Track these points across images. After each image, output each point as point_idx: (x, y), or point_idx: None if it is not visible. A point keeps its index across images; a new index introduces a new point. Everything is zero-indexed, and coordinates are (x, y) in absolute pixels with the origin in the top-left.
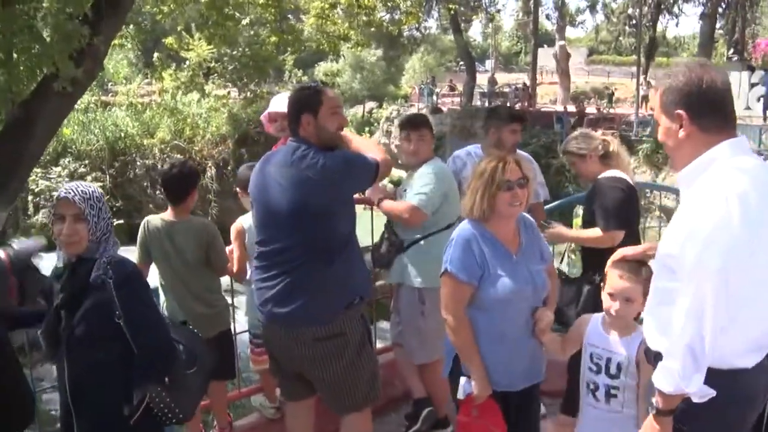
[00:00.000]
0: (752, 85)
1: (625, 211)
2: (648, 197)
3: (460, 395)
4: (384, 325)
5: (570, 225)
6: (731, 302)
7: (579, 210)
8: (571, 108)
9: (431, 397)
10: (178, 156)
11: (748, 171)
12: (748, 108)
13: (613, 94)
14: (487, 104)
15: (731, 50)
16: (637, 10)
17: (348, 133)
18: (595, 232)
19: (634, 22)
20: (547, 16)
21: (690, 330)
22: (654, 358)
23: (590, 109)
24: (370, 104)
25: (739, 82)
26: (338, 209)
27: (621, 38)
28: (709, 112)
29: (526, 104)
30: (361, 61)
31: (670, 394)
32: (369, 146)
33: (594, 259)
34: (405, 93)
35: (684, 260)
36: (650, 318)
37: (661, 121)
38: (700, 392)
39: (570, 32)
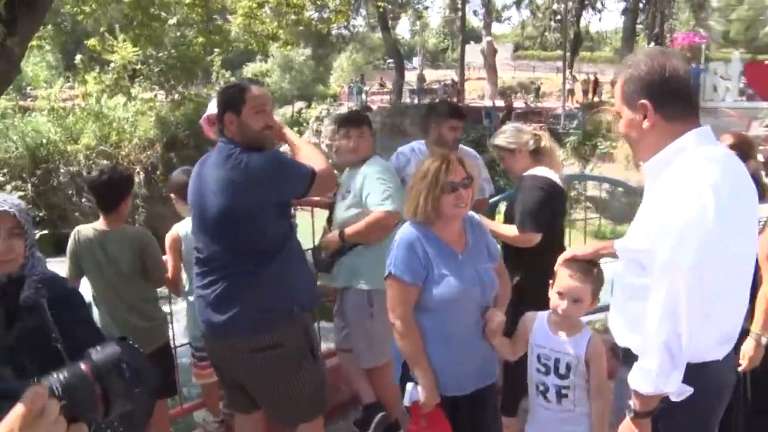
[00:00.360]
0: None
1: (546, 212)
2: (577, 188)
3: (406, 402)
4: (326, 325)
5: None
6: (706, 297)
7: (502, 206)
8: (499, 103)
9: (381, 402)
10: (105, 162)
11: (717, 161)
12: None
13: (539, 88)
14: (416, 101)
15: (652, 44)
16: (562, 5)
17: (295, 140)
18: (512, 230)
19: (559, 17)
20: (475, 12)
21: (666, 327)
22: (622, 355)
23: (518, 104)
24: (300, 104)
25: None
26: (266, 212)
27: (547, 33)
28: (673, 100)
29: (455, 100)
30: (290, 60)
31: (648, 394)
32: (313, 156)
33: (513, 260)
34: (334, 92)
35: (656, 256)
36: (618, 314)
37: (624, 113)
38: (678, 391)
39: (496, 28)
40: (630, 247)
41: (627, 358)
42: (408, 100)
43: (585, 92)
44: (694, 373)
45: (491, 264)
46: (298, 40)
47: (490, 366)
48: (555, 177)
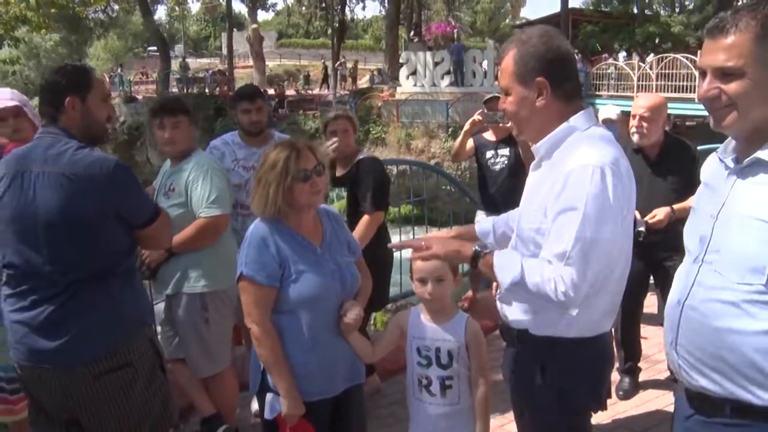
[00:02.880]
0: (436, 64)
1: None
2: None
3: (268, 415)
4: None
5: None
6: (603, 270)
7: None
8: (270, 91)
9: (221, 412)
10: None
11: (610, 140)
12: (434, 85)
13: (309, 75)
14: (184, 90)
15: (412, 32)
16: None
17: None
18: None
19: (324, 5)
20: None
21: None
22: (517, 336)
23: (289, 92)
24: None
25: (424, 62)
26: (107, 222)
27: (313, 21)
28: (566, 80)
29: (226, 89)
30: (35, 47)
31: (513, 281)
32: None
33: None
34: None
35: (556, 235)
36: (512, 296)
37: (514, 90)
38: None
39: (258, 15)
40: (526, 226)
41: (522, 340)
42: (175, 90)
43: (354, 79)
44: (597, 344)
45: (352, 258)
46: (52, 24)
47: (357, 365)
48: None
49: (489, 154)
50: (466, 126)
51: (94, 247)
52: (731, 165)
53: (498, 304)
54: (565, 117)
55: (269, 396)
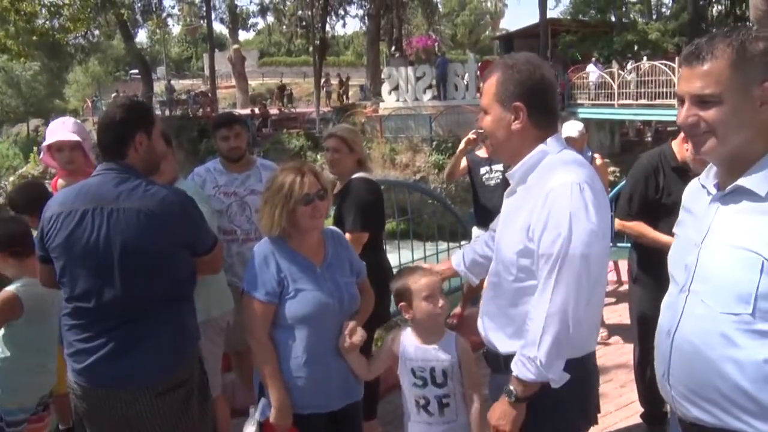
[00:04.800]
0: (417, 79)
1: (378, 212)
2: None
3: (258, 416)
4: None
5: None
6: (590, 287)
7: None
8: (255, 109)
9: None
10: None
11: (581, 162)
12: (416, 99)
13: (291, 93)
14: (167, 113)
15: (393, 48)
16: (308, 12)
17: None
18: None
19: (304, 23)
20: (222, 20)
21: (557, 319)
22: (504, 362)
23: (273, 110)
24: (35, 121)
25: (406, 77)
26: (177, 252)
27: (294, 39)
28: (543, 108)
29: (209, 110)
30: (15, 74)
31: (532, 381)
32: None
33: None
34: (75, 107)
35: (544, 254)
36: (493, 323)
37: (493, 110)
38: (559, 378)
39: (240, 35)
40: (508, 250)
41: (508, 365)
42: (158, 113)
43: (346, 95)
44: (582, 364)
45: (353, 279)
46: (33, 52)
47: (353, 383)
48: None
49: (483, 170)
50: (461, 145)
51: (167, 276)
52: (713, 191)
53: (482, 332)
54: (538, 142)
55: (263, 400)
